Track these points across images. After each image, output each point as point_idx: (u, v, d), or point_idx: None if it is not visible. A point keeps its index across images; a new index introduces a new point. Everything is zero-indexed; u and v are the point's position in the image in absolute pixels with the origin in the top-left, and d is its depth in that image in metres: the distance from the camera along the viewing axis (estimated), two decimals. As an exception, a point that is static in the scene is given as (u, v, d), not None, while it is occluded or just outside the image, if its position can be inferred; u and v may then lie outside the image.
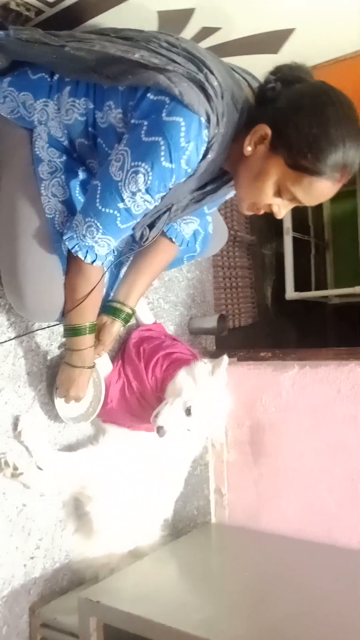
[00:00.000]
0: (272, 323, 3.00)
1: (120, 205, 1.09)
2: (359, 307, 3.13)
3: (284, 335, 3.13)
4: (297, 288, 2.85)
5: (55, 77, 1.20)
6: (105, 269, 1.27)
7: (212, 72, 1.04)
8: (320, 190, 1.05)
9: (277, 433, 1.87)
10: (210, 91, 1.02)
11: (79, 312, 1.25)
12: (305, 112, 1.01)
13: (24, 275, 1.19)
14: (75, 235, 1.15)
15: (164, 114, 1.01)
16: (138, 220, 1.15)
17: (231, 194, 1.34)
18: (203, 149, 1.06)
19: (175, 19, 1.51)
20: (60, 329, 1.57)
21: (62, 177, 1.22)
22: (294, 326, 3.18)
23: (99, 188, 1.10)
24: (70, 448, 1.59)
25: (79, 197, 1.24)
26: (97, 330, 1.40)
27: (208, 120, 1.03)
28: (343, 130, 1.00)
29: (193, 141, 1.02)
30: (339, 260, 3.31)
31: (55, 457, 1.49)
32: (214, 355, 2.07)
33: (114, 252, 1.23)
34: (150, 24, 1.52)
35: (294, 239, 2.89)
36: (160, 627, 1.23)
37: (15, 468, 1.41)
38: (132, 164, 1.04)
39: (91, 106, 1.15)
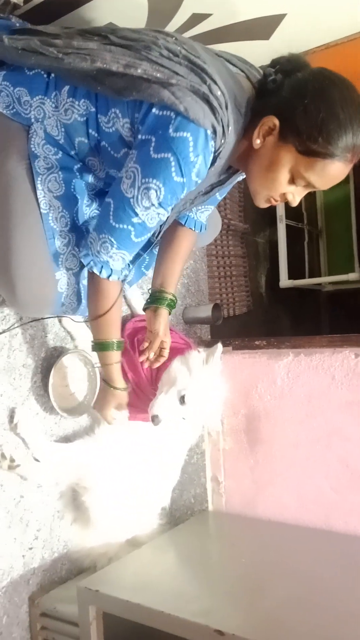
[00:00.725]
0: (267, 311, 3.01)
1: (135, 220, 1.10)
2: (352, 294, 3.15)
3: (279, 323, 3.14)
4: (291, 276, 2.85)
5: (53, 74, 1.18)
6: (123, 285, 1.28)
7: (215, 82, 1.04)
8: (334, 172, 1.06)
9: (272, 420, 1.89)
10: (215, 103, 1.03)
11: (103, 327, 1.27)
12: (311, 97, 1.02)
13: (16, 269, 1.18)
14: (90, 252, 1.17)
15: (170, 130, 1.01)
16: (152, 232, 1.17)
17: (239, 178, 1.34)
18: (210, 158, 1.07)
19: (165, 5, 1.49)
20: (54, 320, 1.57)
21: (58, 173, 1.22)
22: (288, 314, 3.19)
23: (112, 205, 1.11)
24: (67, 439, 1.59)
25: (73, 194, 1.24)
26: (147, 328, 1.43)
27: (214, 132, 1.04)
28: (350, 111, 1.01)
29: (201, 154, 1.04)
30: (332, 247, 3.31)
31: (52, 449, 1.49)
32: (209, 344, 2.07)
33: (129, 265, 1.23)
34: (141, 11, 1.50)
35: (288, 226, 2.89)
36: (159, 614, 1.25)
37: (12, 460, 1.41)
38: (143, 180, 1.05)
39: (92, 109, 1.14)
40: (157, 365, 1.46)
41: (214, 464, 2.04)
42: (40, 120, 1.20)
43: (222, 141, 1.06)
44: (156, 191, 1.05)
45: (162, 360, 1.45)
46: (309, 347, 1.83)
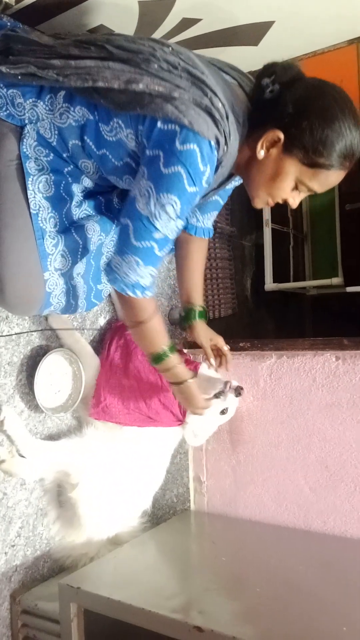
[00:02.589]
0: (251, 314, 3.03)
1: (156, 235, 1.12)
2: (335, 299, 3.18)
3: (263, 325, 3.17)
4: (276, 279, 2.88)
5: None
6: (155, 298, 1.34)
7: (215, 94, 1.07)
8: (334, 179, 1.14)
9: (254, 421, 1.91)
10: (217, 115, 1.06)
11: (151, 341, 1.30)
12: (315, 115, 1.07)
13: (5, 269, 1.18)
14: (118, 276, 1.17)
15: (177, 144, 1.04)
16: (172, 241, 1.20)
17: (238, 182, 1.40)
18: (214, 167, 1.11)
19: (156, 10, 1.51)
20: (40, 318, 1.57)
21: (49, 175, 1.23)
22: (273, 317, 3.22)
23: (131, 226, 1.12)
24: (51, 438, 1.59)
25: (63, 195, 1.25)
26: (196, 343, 1.57)
27: (217, 142, 1.08)
28: (348, 123, 1.07)
29: (209, 163, 1.08)
30: (317, 252, 3.34)
31: (38, 445, 1.50)
32: (194, 345, 2.09)
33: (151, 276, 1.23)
34: (131, 14, 1.52)
35: (273, 230, 2.91)
36: (139, 611, 1.26)
37: (-3, 456, 1.42)
38: (159, 196, 1.08)
39: (90, 118, 1.15)
40: (229, 365, 1.62)
41: (197, 463, 2.06)
42: (34, 122, 1.21)
43: (225, 150, 1.10)
44: (173, 205, 1.08)
45: (228, 357, 1.61)
46: (291, 350, 1.86)
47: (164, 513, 1.99)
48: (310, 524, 1.80)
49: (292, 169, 1.12)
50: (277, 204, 1.20)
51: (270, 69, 1.12)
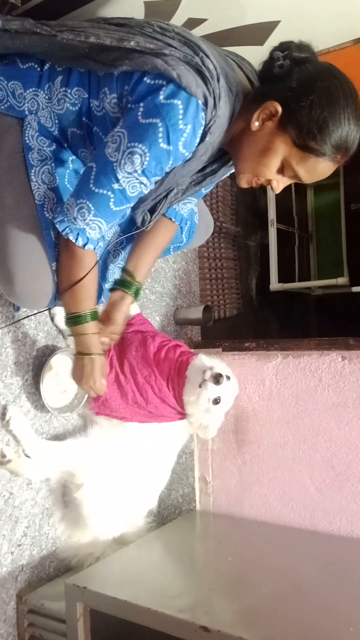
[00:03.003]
0: (257, 314, 3.03)
1: (115, 186, 1.08)
2: (340, 298, 3.18)
3: (268, 325, 3.17)
4: (281, 279, 2.88)
5: (46, 66, 1.19)
6: (98, 255, 1.25)
7: (207, 56, 1.05)
8: (322, 169, 1.10)
9: (260, 421, 1.91)
10: (207, 74, 1.03)
11: (76, 299, 1.22)
12: (318, 94, 1.03)
13: (14, 260, 1.18)
14: (66, 218, 1.14)
15: (161, 97, 1.01)
16: (131, 203, 1.15)
17: (230, 172, 1.35)
18: (200, 131, 1.07)
19: (162, 9, 1.51)
20: (45, 318, 1.58)
21: (52, 164, 1.22)
22: (278, 317, 3.22)
23: (94, 169, 1.09)
24: (57, 438, 1.60)
25: (67, 186, 1.24)
26: (107, 311, 1.40)
27: (205, 103, 1.04)
28: (349, 114, 1.04)
29: (191, 124, 1.03)
30: (322, 252, 3.35)
31: (44, 445, 1.50)
32: (200, 345, 2.10)
33: (103, 237, 1.22)
34: (137, 15, 1.52)
35: (279, 230, 2.92)
36: (145, 611, 1.26)
37: (3, 456, 1.42)
38: (129, 144, 1.04)
39: (85, 95, 1.15)
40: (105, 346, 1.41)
41: (202, 464, 2.06)
42: (34, 112, 1.21)
43: (213, 114, 1.06)
44: (141, 156, 1.04)
45: (105, 346, 1.39)
46: (297, 350, 1.86)
47: (170, 513, 1.99)
48: (316, 524, 1.80)
49: (283, 147, 1.08)
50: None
51: (284, 45, 1.10)
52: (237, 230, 2.77)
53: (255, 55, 1.77)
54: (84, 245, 1.16)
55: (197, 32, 1.64)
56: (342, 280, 2.83)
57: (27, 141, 1.21)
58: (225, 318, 2.63)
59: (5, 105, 1.22)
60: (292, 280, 3.08)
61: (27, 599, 1.49)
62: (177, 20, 1.56)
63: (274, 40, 1.72)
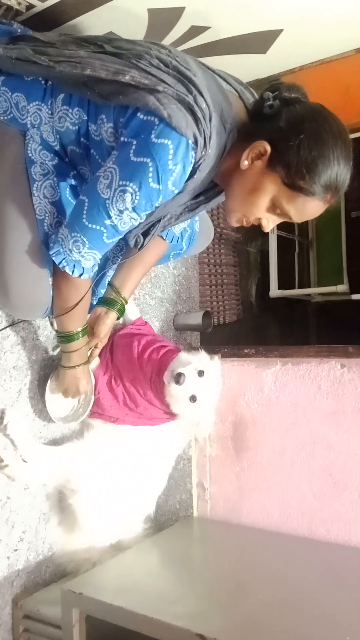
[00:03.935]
0: (256, 320, 3.04)
1: (107, 222, 1.11)
2: (340, 306, 3.18)
3: (268, 332, 3.17)
4: (281, 286, 2.89)
5: (50, 82, 1.20)
6: (93, 280, 1.30)
7: (201, 94, 1.05)
8: (311, 209, 1.10)
9: (258, 428, 1.91)
10: (199, 114, 1.04)
11: (69, 319, 1.28)
12: (306, 135, 1.04)
13: (11, 272, 1.19)
14: (61, 249, 1.17)
15: (152, 136, 1.02)
16: (123, 235, 1.18)
17: (223, 200, 1.35)
18: (190, 169, 1.08)
19: (165, 17, 1.52)
20: (45, 322, 1.58)
21: (54, 179, 1.24)
22: (277, 323, 3.22)
23: (86, 204, 1.11)
24: (55, 442, 1.60)
25: (69, 199, 1.26)
26: (90, 325, 1.44)
27: (195, 142, 1.05)
28: (338, 154, 1.04)
29: (180, 163, 1.04)
30: (322, 258, 3.35)
31: (41, 450, 1.50)
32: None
33: (99, 261, 1.25)
34: (141, 22, 1.53)
35: (279, 237, 2.92)
36: (141, 618, 1.26)
37: (1, 460, 1.42)
38: (120, 182, 1.06)
39: (85, 117, 1.16)
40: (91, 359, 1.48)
41: (200, 470, 2.06)
42: (36, 126, 1.22)
43: (203, 153, 1.07)
44: (132, 194, 1.05)
45: (91, 360, 1.47)
46: (296, 357, 1.86)
47: (167, 519, 1.98)
48: (313, 531, 1.80)
49: (272, 186, 1.09)
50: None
51: (275, 85, 1.12)
52: (237, 236, 2.78)
53: (258, 63, 1.79)
54: (80, 275, 1.21)
55: (200, 40, 1.65)
56: (342, 288, 2.83)
57: (30, 155, 1.22)
58: (224, 324, 2.63)
59: (9, 117, 1.23)
60: (292, 287, 3.09)
61: (23, 604, 1.49)
62: (180, 28, 1.57)
63: (276, 48, 1.73)
